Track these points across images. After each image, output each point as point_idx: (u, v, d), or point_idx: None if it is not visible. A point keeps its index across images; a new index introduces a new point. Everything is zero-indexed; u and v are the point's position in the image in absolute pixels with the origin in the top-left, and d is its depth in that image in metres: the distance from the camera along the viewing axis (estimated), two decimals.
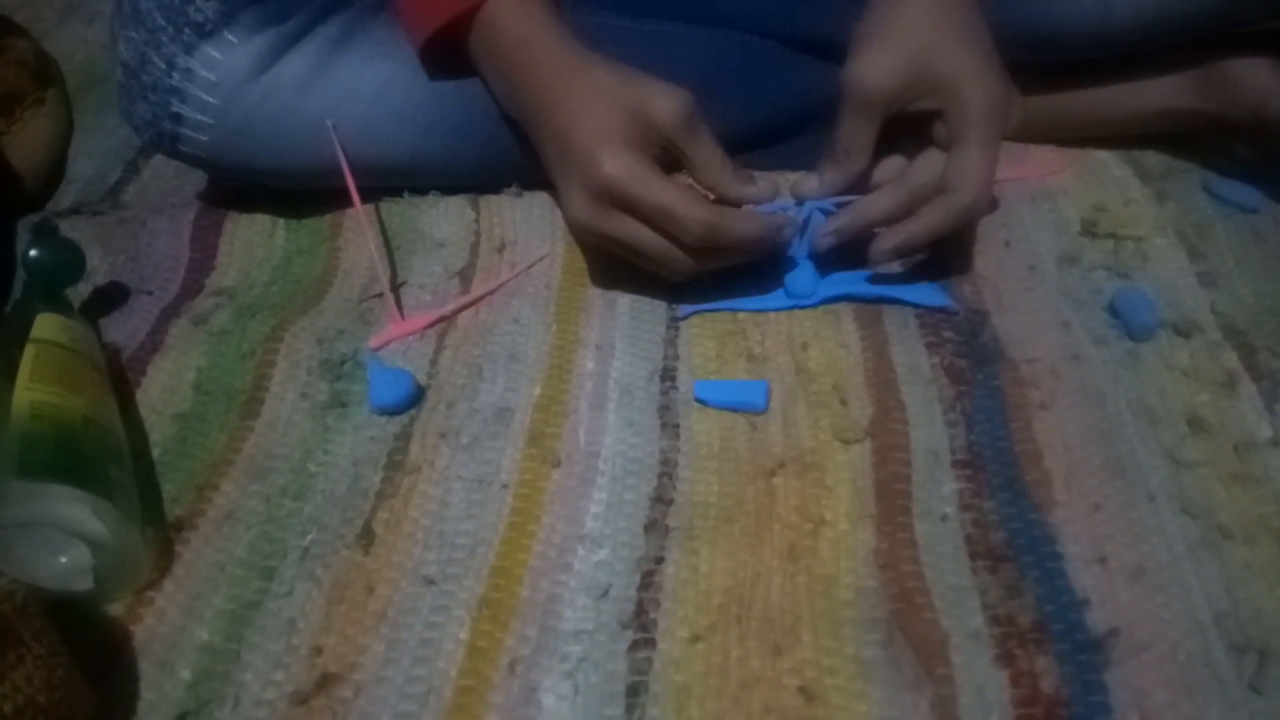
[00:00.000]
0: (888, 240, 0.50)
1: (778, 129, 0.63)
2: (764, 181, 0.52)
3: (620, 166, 0.47)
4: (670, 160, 0.50)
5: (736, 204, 0.51)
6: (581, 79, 0.50)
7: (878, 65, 0.49)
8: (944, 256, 0.55)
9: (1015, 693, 0.36)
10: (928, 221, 0.50)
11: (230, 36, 0.55)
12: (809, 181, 0.53)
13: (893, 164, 0.53)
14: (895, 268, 0.54)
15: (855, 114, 0.50)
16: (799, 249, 0.53)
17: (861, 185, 0.53)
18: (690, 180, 0.52)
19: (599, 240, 0.51)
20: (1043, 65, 0.59)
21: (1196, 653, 0.37)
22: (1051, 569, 0.40)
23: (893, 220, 0.51)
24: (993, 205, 0.51)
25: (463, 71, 0.57)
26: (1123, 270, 0.54)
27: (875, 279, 0.53)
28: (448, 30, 0.53)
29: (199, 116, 0.56)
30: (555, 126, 0.50)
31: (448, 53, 0.55)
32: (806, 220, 0.53)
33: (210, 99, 0.56)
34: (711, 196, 0.52)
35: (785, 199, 0.54)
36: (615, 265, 0.55)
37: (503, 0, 0.52)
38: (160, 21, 0.54)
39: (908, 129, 0.51)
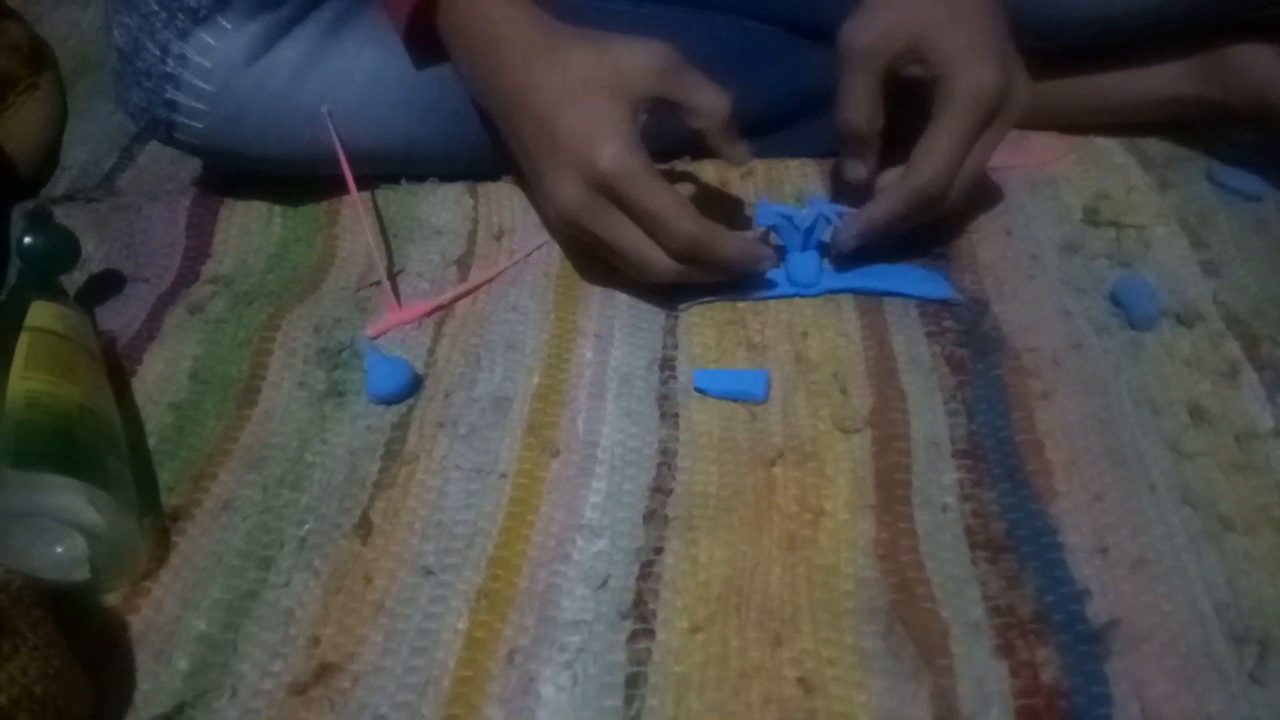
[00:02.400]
0: (848, 227, 0.51)
1: (777, 115, 0.62)
2: (745, 145, 0.52)
3: (620, 162, 0.46)
4: (660, 118, 0.50)
5: (723, 153, 0.52)
6: (558, 59, 0.49)
7: (870, 23, 0.49)
8: (945, 244, 0.55)
9: (1015, 683, 0.36)
10: (883, 204, 0.50)
11: (224, 22, 0.55)
12: (848, 173, 0.53)
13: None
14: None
15: (851, 72, 0.50)
16: (801, 242, 0.53)
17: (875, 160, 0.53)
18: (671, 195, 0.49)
19: (582, 234, 0.50)
20: (1044, 51, 0.58)
21: (1197, 643, 0.37)
22: (1052, 559, 0.40)
23: (903, 217, 0.50)
24: (965, 196, 0.50)
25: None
26: (1125, 259, 0.53)
27: (879, 273, 0.53)
28: (423, 15, 0.53)
29: (194, 103, 0.56)
30: (538, 112, 0.48)
31: (432, 40, 0.54)
32: (813, 224, 0.52)
33: (205, 85, 0.55)
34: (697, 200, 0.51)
35: (778, 205, 0.53)
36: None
37: None
38: (154, 7, 0.54)
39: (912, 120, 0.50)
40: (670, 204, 0.47)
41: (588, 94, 0.47)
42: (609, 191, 0.47)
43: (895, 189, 0.50)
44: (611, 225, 0.48)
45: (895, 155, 0.51)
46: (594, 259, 0.53)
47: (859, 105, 0.50)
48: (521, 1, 0.51)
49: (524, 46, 0.50)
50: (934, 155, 0.48)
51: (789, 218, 0.52)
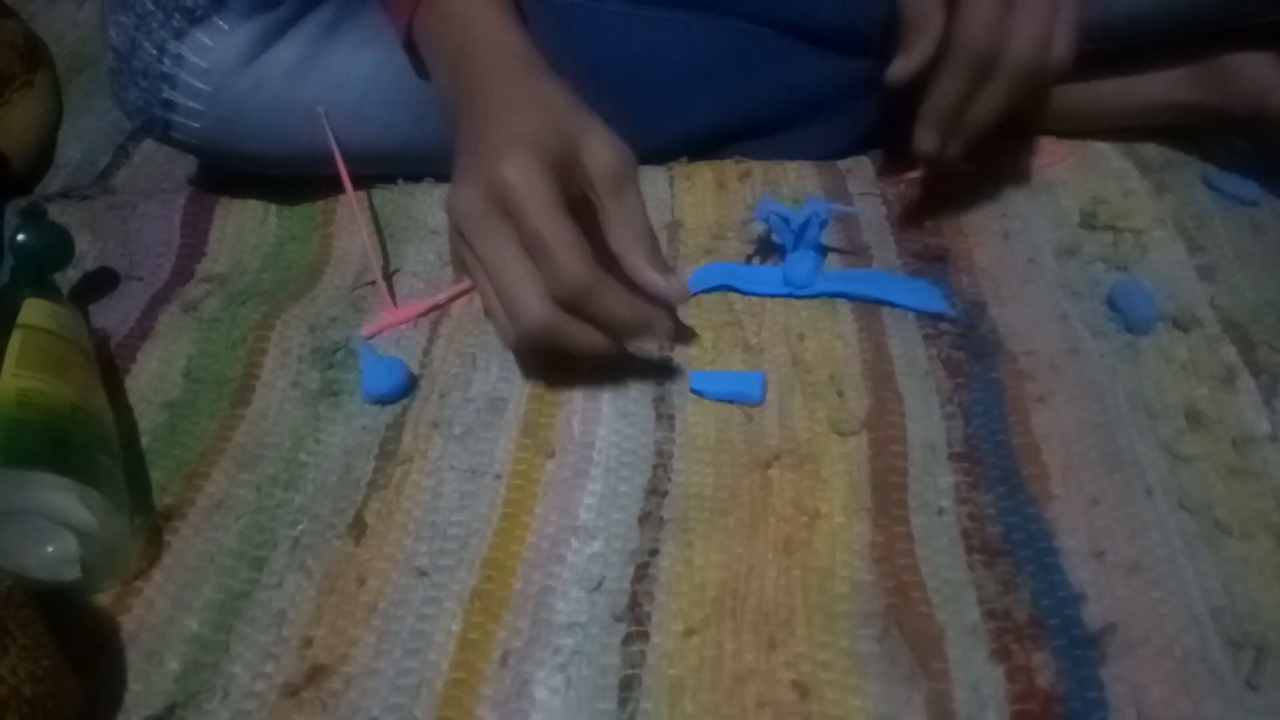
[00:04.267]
0: (925, 122, 0.50)
1: (774, 118, 0.62)
2: (676, 282, 0.44)
3: (525, 176, 0.41)
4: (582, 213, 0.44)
5: (640, 284, 0.44)
6: (531, 85, 0.46)
7: None
8: (942, 247, 0.55)
9: (1011, 688, 0.36)
10: (946, 87, 0.49)
11: (221, 23, 0.54)
12: (897, 66, 0.50)
13: None
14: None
15: None
16: (794, 241, 0.53)
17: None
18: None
19: (465, 240, 0.44)
20: None
21: (1193, 648, 0.37)
22: (1048, 563, 0.40)
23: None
24: (1058, 73, 0.49)
25: None
26: (1121, 263, 0.53)
27: (876, 279, 0.53)
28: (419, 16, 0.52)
29: (190, 103, 0.56)
30: (479, 114, 0.45)
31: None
32: (806, 222, 0.52)
33: (202, 86, 0.55)
34: None
35: (777, 204, 0.53)
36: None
37: None
38: (150, 6, 0.54)
39: None
40: (565, 236, 0.41)
41: (535, 116, 0.44)
42: (505, 204, 0.42)
43: (949, 65, 0.48)
44: (492, 243, 0.42)
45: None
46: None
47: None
48: (500, 14, 0.49)
49: (505, 61, 0.48)
50: (981, 13, 0.47)
51: (784, 217, 0.52)
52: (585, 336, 0.43)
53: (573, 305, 0.42)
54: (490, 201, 0.42)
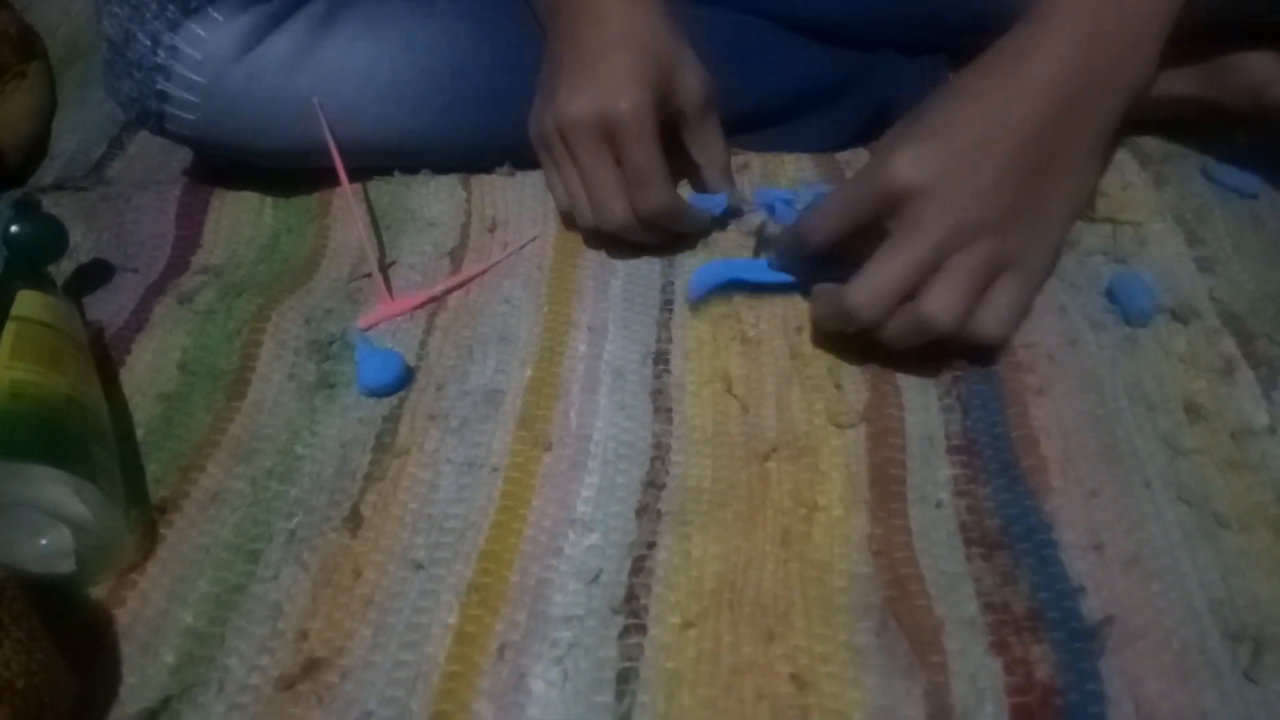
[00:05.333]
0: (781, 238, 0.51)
1: (772, 111, 0.62)
2: (738, 196, 0.56)
3: (639, 112, 0.49)
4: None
5: (708, 188, 0.56)
6: (638, 13, 0.51)
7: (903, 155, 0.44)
8: None
9: (1009, 680, 0.36)
10: (816, 305, 0.48)
11: (215, 14, 0.54)
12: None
13: None
14: None
15: (839, 197, 0.47)
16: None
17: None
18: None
19: (557, 148, 0.52)
20: None
21: (1192, 641, 0.37)
22: (1046, 556, 0.40)
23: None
24: (878, 314, 0.44)
25: (457, 51, 0.56)
26: (1121, 255, 0.53)
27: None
28: None
29: (185, 95, 0.55)
30: (593, 42, 0.50)
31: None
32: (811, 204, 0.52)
33: (196, 78, 0.55)
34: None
35: (777, 190, 0.54)
36: (610, 247, 0.55)
37: None
38: None
39: None
40: (660, 170, 0.50)
41: (641, 50, 0.50)
42: (614, 131, 0.49)
43: (786, 232, 0.50)
44: (593, 155, 0.50)
45: None
46: (598, 248, 0.54)
47: (822, 229, 0.47)
48: None
49: None
50: (817, 212, 0.46)
51: (787, 200, 0.52)
52: (649, 238, 0.54)
53: (653, 219, 0.52)
54: (600, 121, 0.49)
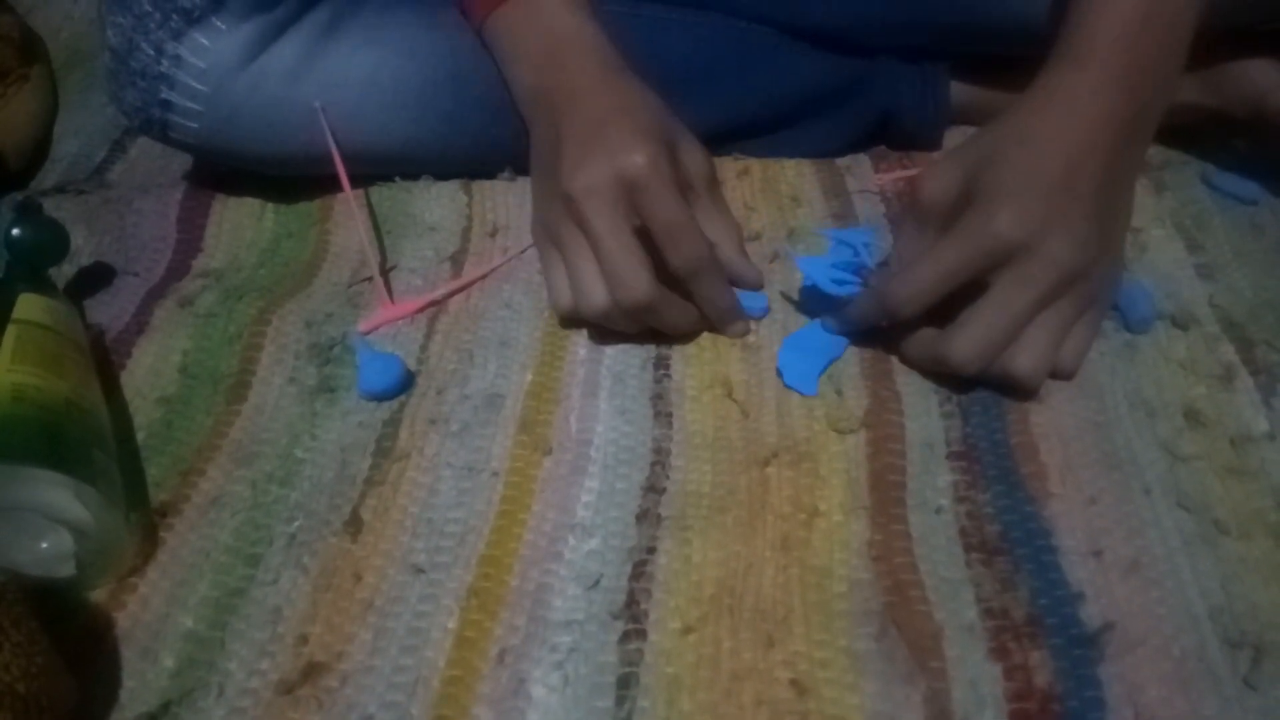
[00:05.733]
0: (831, 321, 0.50)
1: (772, 117, 0.62)
2: (755, 271, 0.52)
3: (655, 164, 0.46)
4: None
5: (731, 269, 0.51)
6: (628, 87, 0.50)
7: (938, 173, 0.46)
8: None
9: (1009, 687, 0.36)
10: (856, 308, 0.48)
11: (219, 23, 0.54)
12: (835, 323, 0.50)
13: None
14: None
15: (908, 218, 0.48)
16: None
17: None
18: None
19: (581, 215, 0.47)
20: (1044, 56, 0.58)
21: (1191, 648, 0.37)
22: (1046, 562, 0.40)
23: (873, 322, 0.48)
24: (977, 355, 0.44)
25: (460, 60, 0.56)
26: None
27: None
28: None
29: (188, 104, 0.55)
30: (590, 112, 0.49)
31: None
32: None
33: (200, 86, 0.55)
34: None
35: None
36: None
37: None
38: (148, 7, 0.54)
39: None
40: (690, 221, 0.47)
41: (647, 116, 0.49)
42: (634, 189, 0.46)
43: (867, 297, 0.47)
44: (609, 221, 0.46)
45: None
46: None
47: (908, 258, 0.47)
48: (589, 23, 0.52)
49: (588, 63, 0.51)
50: (911, 278, 0.44)
51: (834, 265, 0.49)
52: (681, 313, 0.49)
53: (689, 277, 0.47)
54: (616, 183, 0.46)
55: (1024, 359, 0.44)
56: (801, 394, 0.47)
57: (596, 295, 0.47)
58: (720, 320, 0.50)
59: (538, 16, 0.52)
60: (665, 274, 0.47)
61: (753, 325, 0.51)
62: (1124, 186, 0.47)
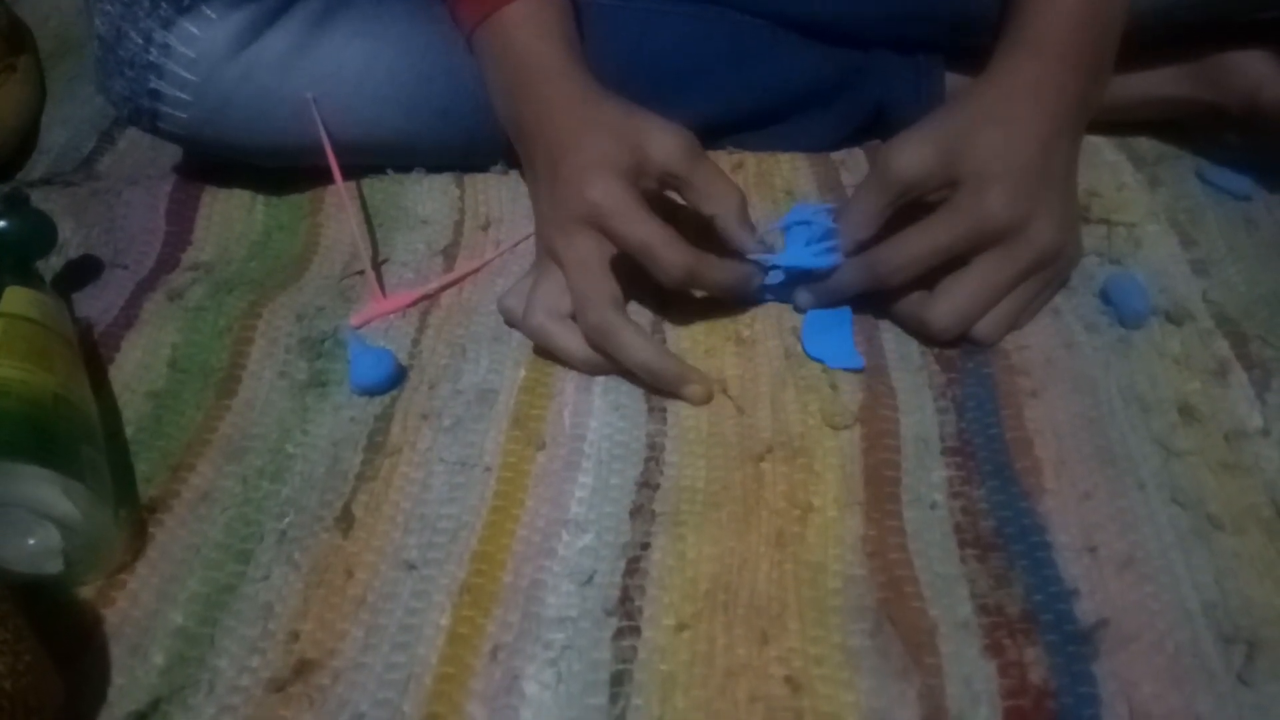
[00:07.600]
0: (804, 294, 0.50)
1: (767, 110, 0.62)
2: (753, 239, 0.49)
3: (607, 195, 0.46)
4: (665, 201, 0.50)
5: (733, 245, 0.49)
6: (586, 109, 0.49)
7: (907, 146, 0.47)
8: None
9: (1003, 683, 0.36)
10: (841, 276, 0.49)
11: (209, 12, 0.54)
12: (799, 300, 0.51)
13: None
14: None
15: (870, 186, 0.48)
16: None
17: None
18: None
19: (551, 250, 0.48)
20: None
21: (1185, 643, 0.37)
22: (1041, 558, 0.40)
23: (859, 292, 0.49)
24: (959, 327, 0.47)
25: (453, 53, 0.56)
26: (1115, 256, 0.53)
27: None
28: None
29: (178, 94, 0.55)
30: (550, 149, 0.49)
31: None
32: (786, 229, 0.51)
33: (189, 76, 0.54)
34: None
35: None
36: None
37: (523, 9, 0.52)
38: None
39: None
40: (658, 233, 0.46)
41: (598, 138, 0.48)
42: (597, 222, 0.46)
43: (855, 265, 0.48)
44: (582, 249, 0.47)
45: None
46: None
47: (865, 220, 0.48)
48: (572, 55, 0.52)
49: (563, 93, 0.50)
50: (904, 250, 0.46)
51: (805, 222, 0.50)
52: (638, 351, 0.46)
53: (686, 285, 0.48)
54: (582, 220, 0.47)
55: (987, 325, 0.48)
56: (854, 370, 0.48)
57: (536, 312, 0.48)
58: (734, 296, 0.51)
59: (510, 45, 0.52)
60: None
61: (746, 321, 0.51)
62: (1074, 171, 0.50)
